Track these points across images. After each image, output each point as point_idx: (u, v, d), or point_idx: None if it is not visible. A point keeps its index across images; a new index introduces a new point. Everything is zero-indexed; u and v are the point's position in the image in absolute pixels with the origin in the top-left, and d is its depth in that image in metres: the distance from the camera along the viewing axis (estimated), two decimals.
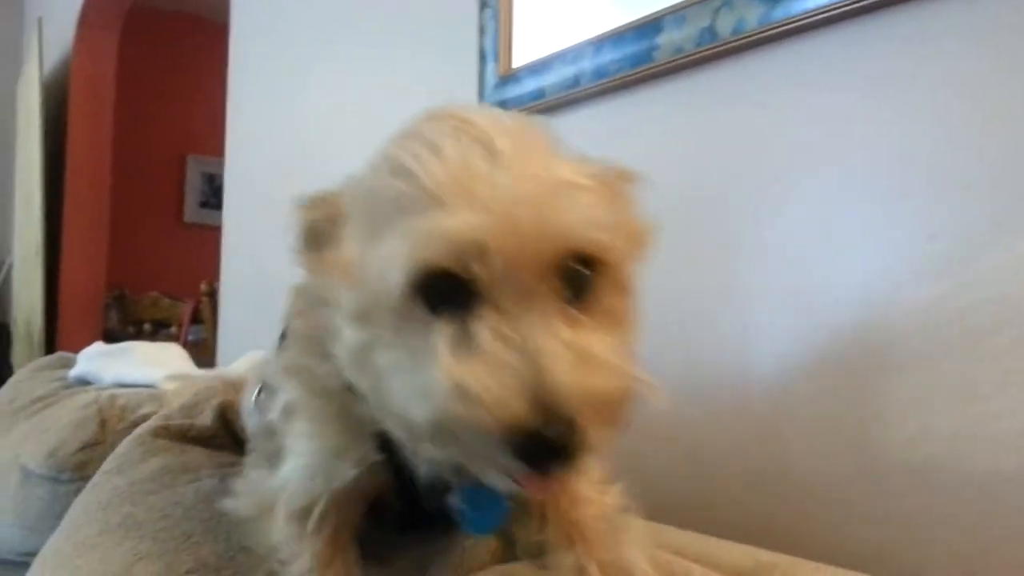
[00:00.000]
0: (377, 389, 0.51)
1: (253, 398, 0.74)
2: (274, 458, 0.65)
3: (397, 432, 0.53)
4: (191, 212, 5.89)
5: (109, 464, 0.92)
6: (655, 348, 1.15)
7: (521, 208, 0.47)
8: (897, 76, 0.93)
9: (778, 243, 1.03)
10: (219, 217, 5.59)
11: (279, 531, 0.63)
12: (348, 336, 0.51)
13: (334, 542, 0.63)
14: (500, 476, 0.46)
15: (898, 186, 0.92)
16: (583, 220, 0.49)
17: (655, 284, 1.15)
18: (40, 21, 4.48)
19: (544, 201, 0.48)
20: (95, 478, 0.92)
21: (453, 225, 0.46)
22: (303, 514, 0.61)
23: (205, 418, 0.97)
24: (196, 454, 0.89)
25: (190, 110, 5.64)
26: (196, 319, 4.03)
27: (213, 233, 5.39)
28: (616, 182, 0.59)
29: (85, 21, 4.40)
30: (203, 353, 2.67)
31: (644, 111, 1.21)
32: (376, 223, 0.51)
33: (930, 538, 0.88)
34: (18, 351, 4.93)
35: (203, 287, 3.61)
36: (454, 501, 0.57)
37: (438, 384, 0.45)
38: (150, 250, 5.51)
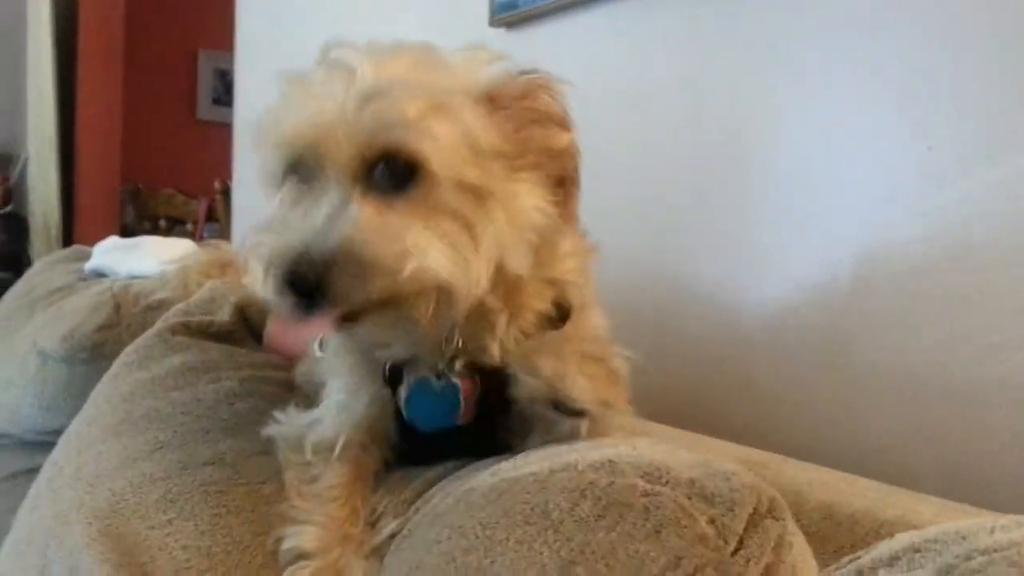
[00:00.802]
0: None
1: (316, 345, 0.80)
2: (314, 397, 0.75)
3: None
4: (204, 109, 5.84)
5: (130, 357, 0.95)
6: (664, 263, 1.17)
7: (337, 119, 0.59)
8: None
9: (782, 150, 1.04)
10: (230, 114, 5.59)
11: (308, 455, 0.71)
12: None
13: (355, 468, 0.70)
14: (283, 308, 0.58)
15: (897, 96, 0.92)
16: (378, 129, 0.59)
17: (657, 190, 1.16)
18: None
19: (353, 112, 0.59)
20: (115, 369, 0.95)
21: (291, 128, 0.61)
22: (329, 444, 0.70)
23: (224, 314, 1.01)
24: (216, 352, 0.93)
25: (202, 3, 5.54)
26: (211, 217, 4.06)
27: (225, 130, 5.38)
28: (517, 97, 0.65)
29: None
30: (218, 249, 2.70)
31: (652, 16, 1.20)
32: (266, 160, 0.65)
33: (914, 445, 0.90)
34: (36, 244, 4.99)
35: (217, 185, 3.62)
36: (403, 398, 0.67)
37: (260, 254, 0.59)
38: (163, 147, 5.49)
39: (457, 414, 0.67)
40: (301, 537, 0.66)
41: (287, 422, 0.75)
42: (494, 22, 1.46)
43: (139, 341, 0.99)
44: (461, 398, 0.67)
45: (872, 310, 0.94)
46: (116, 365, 0.96)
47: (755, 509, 0.49)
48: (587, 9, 1.30)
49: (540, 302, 0.68)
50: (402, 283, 0.57)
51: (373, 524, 0.68)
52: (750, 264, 1.06)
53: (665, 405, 1.15)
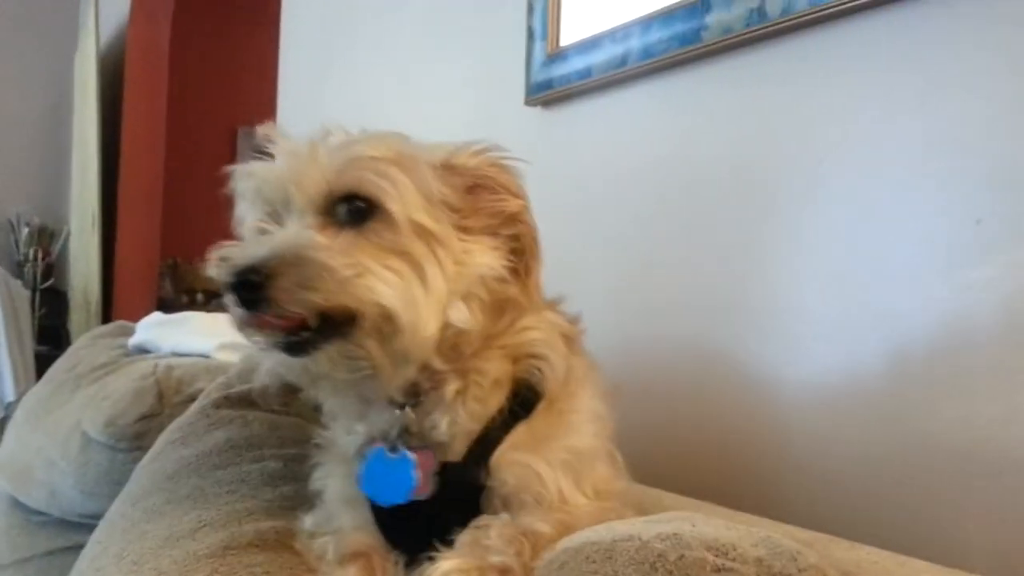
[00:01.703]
0: None
1: None
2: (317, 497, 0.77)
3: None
4: None
5: (173, 435, 0.96)
6: (695, 324, 1.17)
7: (306, 161, 0.65)
8: (947, 60, 0.92)
9: (824, 224, 1.03)
10: None
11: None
12: None
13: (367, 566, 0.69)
14: (238, 314, 0.61)
15: (946, 170, 0.92)
16: (339, 166, 0.65)
17: (705, 261, 1.16)
18: None
19: (323, 157, 0.65)
20: (159, 447, 0.96)
21: (264, 172, 0.68)
22: (331, 555, 0.70)
23: (263, 379, 1.01)
24: (258, 426, 0.93)
25: (241, 83, 5.70)
26: None
27: None
28: (470, 167, 0.70)
29: None
30: None
31: (691, 91, 1.21)
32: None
33: (968, 522, 0.88)
34: (75, 318, 5.07)
35: None
36: (359, 476, 0.68)
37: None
38: (201, 221, 5.59)
39: (411, 488, 0.66)
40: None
41: (301, 532, 0.76)
42: (529, 101, 1.49)
43: (183, 418, 1.00)
44: (416, 471, 0.66)
45: (926, 384, 0.92)
46: (160, 442, 0.97)
47: None
48: (624, 87, 1.32)
49: (492, 370, 0.68)
50: (345, 293, 0.61)
51: None
52: (797, 338, 1.05)
53: (704, 481, 1.14)
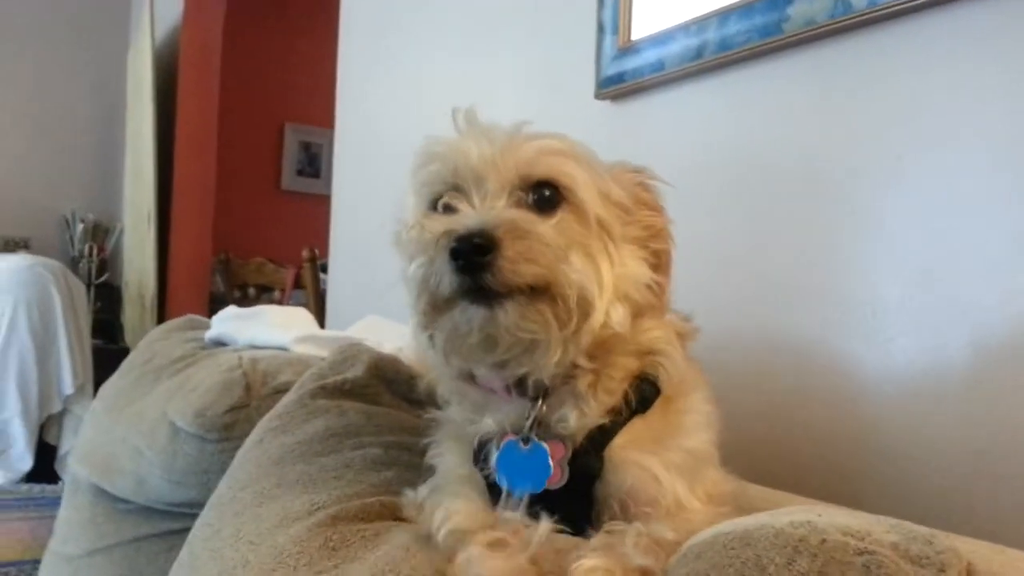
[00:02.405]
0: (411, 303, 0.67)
1: None
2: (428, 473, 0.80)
3: (419, 344, 0.70)
4: (288, 180, 6.05)
5: (272, 423, 0.98)
6: (775, 318, 1.17)
7: (504, 146, 0.68)
8: None
9: (906, 217, 1.03)
10: (314, 185, 5.81)
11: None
12: (407, 275, 0.67)
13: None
14: (451, 280, 0.62)
15: None
16: (535, 155, 0.68)
17: (781, 255, 1.17)
18: None
19: (511, 144, 0.68)
20: (259, 434, 0.98)
21: (454, 157, 0.68)
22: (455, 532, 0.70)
23: (356, 370, 1.04)
24: (354, 414, 0.96)
25: (289, 78, 5.78)
26: (298, 284, 4.16)
27: (309, 200, 5.59)
28: (634, 183, 0.75)
29: None
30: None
31: (770, 83, 1.21)
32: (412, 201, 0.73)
33: None
34: (129, 312, 5.18)
35: (304, 253, 3.72)
36: (494, 463, 0.70)
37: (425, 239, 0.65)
38: (250, 217, 5.69)
39: (546, 477, 0.69)
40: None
41: (411, 500, 0.80)
42: (600, 95, 1.49)
43: (280, 407, 1.02)
44: (550, 461, 0.69)
45: (1012, 377, 0.92)
46: (260, 430, 1.00)
47: (959, 572, 0.50)
48: (696, 80, 1.32)
49: (622, 365, 0.71)
50: (559, 270, 0.64)
51: None
52: (880, 332, 1.05)
53: (788, 475, 1.14)
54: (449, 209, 0.69)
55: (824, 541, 0.50)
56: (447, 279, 0.63)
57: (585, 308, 0.65)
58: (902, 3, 1.01)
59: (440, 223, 0.65)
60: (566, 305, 0.64)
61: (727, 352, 1.20)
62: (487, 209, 0.66)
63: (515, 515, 0.67)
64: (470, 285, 0.62)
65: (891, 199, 1.05)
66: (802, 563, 0.49)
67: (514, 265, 0.62)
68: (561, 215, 0.68)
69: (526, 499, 0.69)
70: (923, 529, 0.53)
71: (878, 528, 0.52)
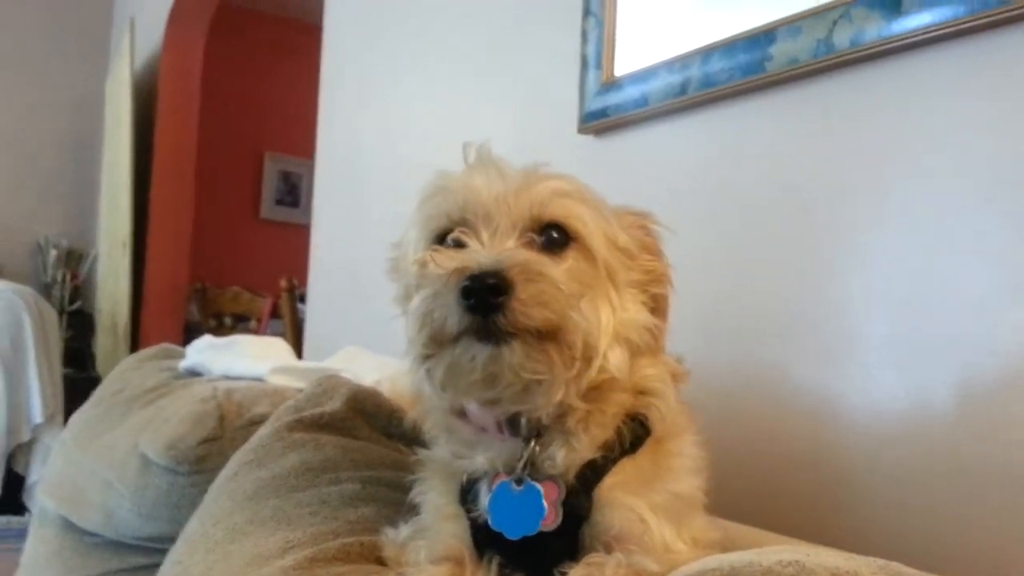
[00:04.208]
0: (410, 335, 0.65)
1: None
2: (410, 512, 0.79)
3: (414, 376, 0.68)
4: (267, 209, 6.03)
5: (247, 456, 0.96)
6: (759, 350, 1.17)
7: (517, 186, 0.68)
8: (1018, 92, 0.92)
9: (891, 252, 1.04)
10: (293, 215, 5.79)
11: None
12: (408, 307, 0.66)
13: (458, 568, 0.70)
14: (460, 318, 0.61)
15: (1014, 197, 0.92)
16: (547, 196, 0.68)
17: (764, 291, 1.16)
18: (132, 21, 4.63)
19: (523, 184, 0.68)
20: (234, 468, 0.96)
21: (466, 194, 0.68)
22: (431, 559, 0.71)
23: (335, 404, 1.02)
24: (331, 449, 0.94)
25: (269, 108, 5.78)
26: (275, 313, 4.13)
27: (287, 230, 5.57)
28: (637, 228, 0.75)
29: (175, 20, 4.54)
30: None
31: (754, 121, 1.21)
32: (415, 233, 0.72)
33: None
34: (102, 340, 5.11)
35: (283, 283, 3.69)
36: (486, 504, 0.69)
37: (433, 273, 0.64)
38: (228, 245, 5.66)
39: (540, 518, 0.68)
40: None
41: (391, 541, 0.78)
42: (583, 129, 1.50)
43: (254, 441, 1.00)
44: (544, 502, 0.68)
45: (995, 413, 0.92)
46: (234, 464, 0.97)
47: None
48: (679, 116, 1.33)
49: (614, 402, 0.70)
50: (567, 315, 0.63)
51: None
52: (864, 365, 1.05)
53: (766, 511, 1.13)
54: (458, 244, 0.67)
55: None
56: (455, 317, 0.62)
57: (589, 353, 0.65)
58: (884, 44, 1.02)
59: (451, 259, 0.64)
60: (571, 349, 0.64)
61: (709, 385, 1.19)
62: (499, 248, 0.65)
63: None
64: (480, 325, 0.61)
65: (874, 235, 1.06)
66: None
67: (526, 308, 0.61)
68: (571, 258, 0.68)
69: (495, 569, 0.69)
70: (911, 571, 0.52)
71: (866, 569, 0.51)
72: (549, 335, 0.63)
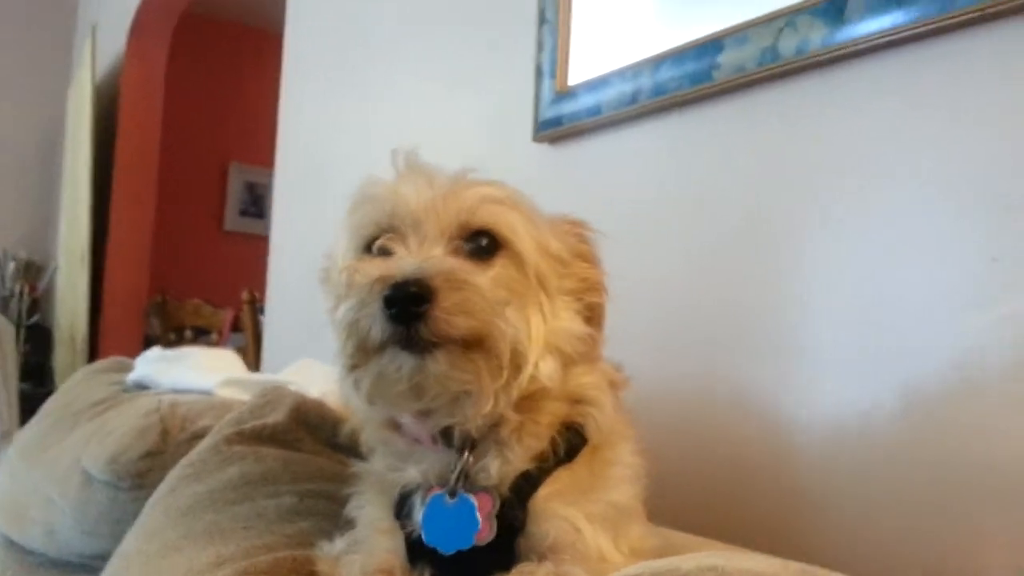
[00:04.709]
0: (338, 345, 0.64)
1: None
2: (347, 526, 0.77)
3: (343, 387, 0.67)
4: (231, 220, 5.97)
5: (185, 470, 0.94)
6: (706, 361, 1.17)
7: (445, 193, 0.67)
8: (963, 98, 0.93)
9: (842, 261, 1.04)
10: (258, 226, 5.74)
11: None
12: (335, 316, 0.65)
13: None
14: (383, 328, 0.60)
15: (962, 208, 0.92)
16: (475, 203, 0.67)
17: (716, 299, 1.16)
18: (94, 28, 4.58)
19: (452, 191, 0.67)
20: (171, 482, 0.94)
21: (392, 200, 0.67)
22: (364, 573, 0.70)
23: (277, 415, 1.00)
24: (272, 461, 0.92)
25: (232, 118, 5.73)
26: (236, 327, 4.08)
27: (252, 241, 5.52)
28: (572, 236, 0.74)
29: (137, 29, 4.49)
30: (243, 359, 2.70)
31: (704, 129, 1.21)
32: (344, 242, 0.71)
33: (984, 558, 0.87)
34: (60, 354, 5.02)
35: (244, 295, 3.66)
36: (420, 518, 0.68)
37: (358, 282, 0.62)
38: (190, 257, 5.60)
39: (474, 532, 0.66)
40: None
41: (326, 554, 0.76)
42: (538, 138, 1.49)
43: (193, 454, 0.98)
44: (478, 515, 0.67)
45: (941, 422, 0.92)
46: (172, 478, 0.95)
47: None
48: (632, 125, 1.33)
49: (548, 411, 0.69)
50: (493, 322, 0.62)
51: None
52: (812, 376, 1.05)
53: (710, 517, 1.13)
54: (384, 252, 0.67)
55: None
56: (379, 326, 0.61)
57: (517, 361, 0.64)
58: (828, 52, 1.02)
59: (375, 267, 0.63)
60: (499, 358, 0.63)
61: (659, 394, 1.19)
62: (424, 256, 0.64)
63: None
64: (403, 334, 0.60)
65: (823, 243, 1.06)
66: None
67: (449, 317, 0.60)
68: (499, 265, 0.67)
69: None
70: (831, 574, 0.51)
71: (784, 572, 0.51)
72: (475, 344, 0.62)
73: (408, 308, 0.59)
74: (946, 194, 0.94)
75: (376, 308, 0.60)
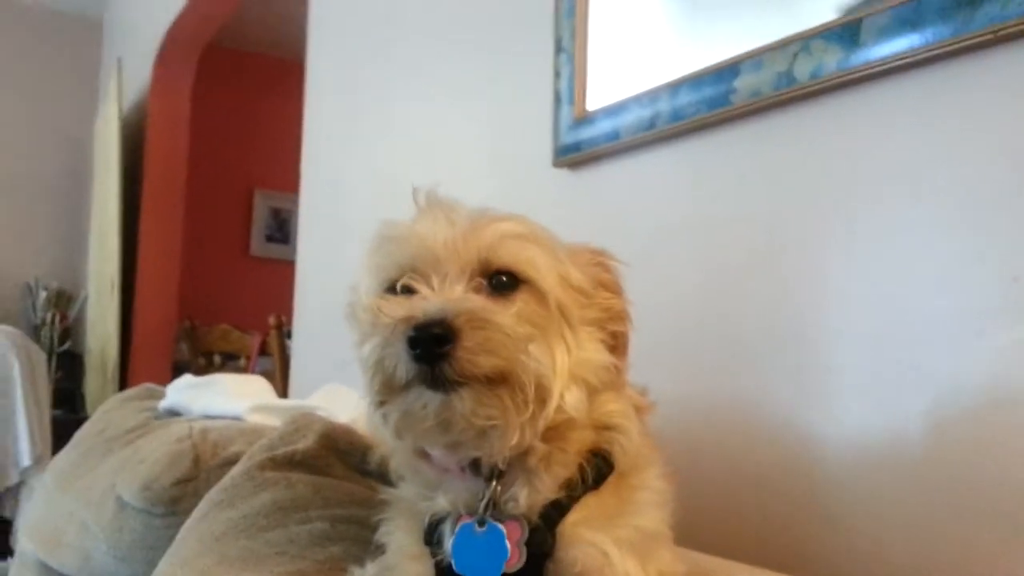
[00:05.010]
0: (365, 382, 0.66)
1: None
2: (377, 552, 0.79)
3: (372, 421, 0.68)
4: (257, 246, 6.04)
5: (218, 496, 0.96)
6: (729, 383, 1.17)
7: (465, 231, 0.67)
8: (979, 118, 0.94)
9: (862, 281, 1.04)
10: (284, 251, 5.80)
11: None
12: (361, 353, 0.66)
13: None
14: (408, 367, 0.61)
15: (983, 227, 0.93)
16: (495, 240, 0.68)
17: (738, 321, 1.17)
18: (120, 61, 4.67)
19: (472, 228, 0.68)
20: (204, 508, 0.96)
21: (413, 240, 0.68)
22: None
23: (308, 441, 1.02)
24: (303, 487, 0.94)
25: (257, 145, 5.81)
26: (264, 351, 4.12)
27: (278, 266, 5.58)
28: (593, 265, 0.75)
29: (162, 61, 4.58)
30: (271, 383, 2.73)
31: (721, 153, 1.23)
32: (367, 280, 0.72)
33: None
34: (91, 381, 5.09)
35: (271, 320, 3.69)
36: (449, 546, 0.69)
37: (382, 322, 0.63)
38: (218, 283, 5.67)
39: (503, 560, 0.67)
40: None
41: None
42: (557, 163, 1.51)
43: (226, 480, 1.00)
44: (507, 542, 0.67)
45: (965, 443, 0.92)
46: (205, 504, 0.97)
47: None
48: (653, 149, 1.34)
49: (575, 440, 0.70)
50: (518, 360, 0.63)
51: None
52: (834, 396, 1.06)
53: (736, 540, 1.13)
54: (407, 291, 0.68)
55: None
56: (404, 366, 0.62)
57: (543, 395, 0.65)
58: (843, 75, 1.03)
59: (398, 307, 0.64)
60: (524, 393, 0.63)
61: (677, 417, 1.19)
62: (447, 295, 0.65)
63: None
64: (427, 373, 0.61)
65: (840, 264, 1.07)
66: None
67: (472, 356, 0.61)
68: (521, 300, 0.67)
69: None
70: None
71: None
72: (500, 380, 0.63)
73: (432, 349, 0.61)
74: (965, 214, 0.95)
75: (400, 348, 0.62)
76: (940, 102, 0.97)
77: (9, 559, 3.29)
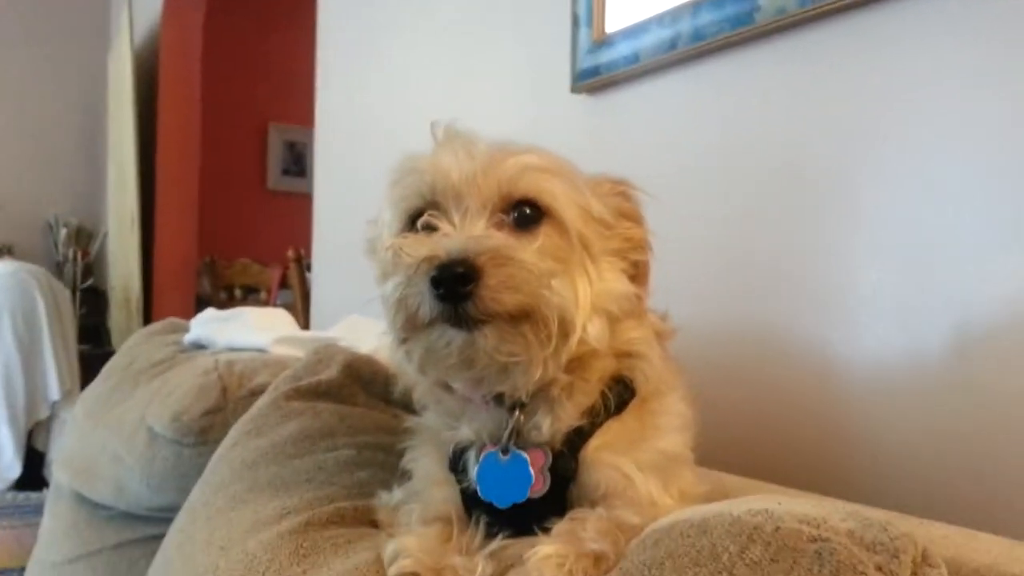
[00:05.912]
0: (387, 319, 0.66)
1: None
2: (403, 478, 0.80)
3: (395, 356, 0.69)
4: (274, 179, 6.03)
5: (247, 426, 0.98)
6: (754, 306, 1.17)
7: (485, 165, 0.66)
8: (1013, 34, 0.91)
9: (886, 203, 1.03)
10: (300, 184, 5.80)
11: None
12: (383, 290, 0.66)
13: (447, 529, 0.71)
14: (431, 306, 0.61)
15: (1013, 146, 0.91)
16: (516, 173, 0.67)
17: (761, 244, 1.16)
18: None
19: (492, 162, 0.67)
20: (234, 437, 0.98)
21: (433, 173, 0.67)
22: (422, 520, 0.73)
23: (331, 372, 1.04)
24: (328, 415, 0.95)
25: (272, 78, 5.75)
26: (284, 284, 4.15)
27: (295, 200, 5.58)
28: (607, 193, 0.74)
29: None
30: (292, 316, 2.75)
31: (744, 73, 1.20)
32: (388, 215, 0.71)
33: None
34: (116, 316, 5.16)
35: (290, 253, 3.71)
36: (474, 474, 0.70)
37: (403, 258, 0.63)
38: (236, 218, 5.68)
39: (528, 486, 0.68)
40: (400, 560, 0.68)
41: (385, 504, 0.80)
42: (576, 88, 1.49)
43: (254, 410, 1.02)
44: (531, 469, 0.68)
45: (990, 362, 0.92)
46: (234, 433, 0.99)
47: (914, 558, 0.49)
48: (673, 71, 1.32)
49: (597, 368, 0.70)
50: (541, 296, 0.63)
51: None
52: (859, 317, 1.05)
53: (761, 461, 1.14)
54: (428, 228, 0.67)
55: (778, 529, 0.50)
56: (427, 305, 0.62)
57: (565, 329, 0.65)
58: None
59: (420, 245, 0.64)
60: (547, 328, 0.63)
61: (702, 342, 1.20)
62: (468, 231, 0.65)
63: (465, 560, 0.66)
64: (451, 312, 0.61)
65: (868, 186, 1.05)
66: (755, 551, 0.49)
67: (496, 294, 0.61)
68: (543, 235, 0.67)
69: (483, 529, 0.69)
70: (880, 515, 0.52)
71: (835, 516, 0.52)
72: (523, 317, 0.63)
73: (455, 288, 0.60)
74: (993, 132, 0.93)
75: (423, 287, 0.61)
76: (974, 17, 0.94)
77: (44, 490, 3.39)
